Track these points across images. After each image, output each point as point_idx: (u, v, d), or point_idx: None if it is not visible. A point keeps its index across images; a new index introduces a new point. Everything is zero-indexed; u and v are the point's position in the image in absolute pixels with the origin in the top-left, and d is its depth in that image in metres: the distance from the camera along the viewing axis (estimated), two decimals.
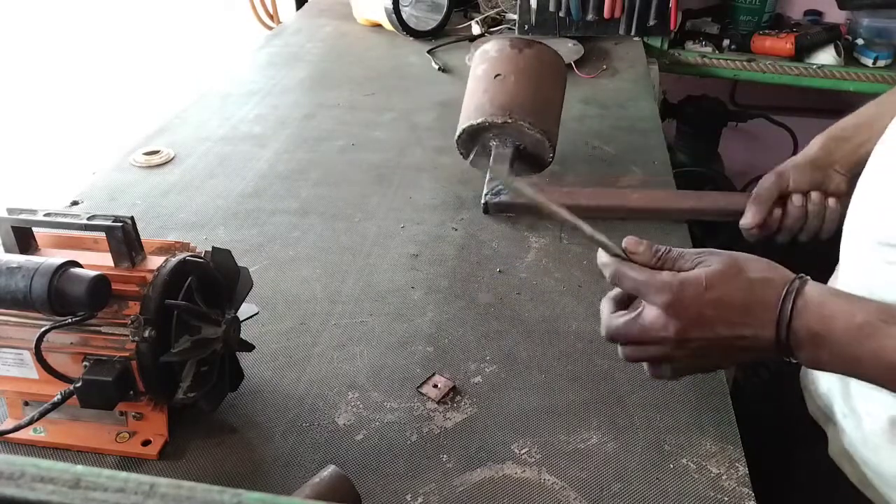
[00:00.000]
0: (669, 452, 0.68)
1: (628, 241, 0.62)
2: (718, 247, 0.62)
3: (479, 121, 1.02)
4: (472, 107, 1.05)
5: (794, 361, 0.60)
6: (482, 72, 1.08)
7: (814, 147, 0.95)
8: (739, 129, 2.19)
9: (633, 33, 1.83)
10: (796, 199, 0.94)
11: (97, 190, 1.09)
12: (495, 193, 1.05)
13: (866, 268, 0.68)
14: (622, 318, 0.62)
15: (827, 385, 0.77)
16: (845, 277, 0.73)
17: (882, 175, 0.69)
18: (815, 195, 0.94)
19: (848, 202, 0.75)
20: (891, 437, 0.67)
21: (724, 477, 0.65)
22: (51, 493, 0.23)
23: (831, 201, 0.94)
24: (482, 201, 1.06)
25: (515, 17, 1.85)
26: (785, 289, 0.58)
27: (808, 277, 0.60)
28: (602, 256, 0.63)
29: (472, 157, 1.07)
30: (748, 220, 0.95)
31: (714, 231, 1.57)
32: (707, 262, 0.60)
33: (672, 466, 0.66)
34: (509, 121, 1.00)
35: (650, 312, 0.60)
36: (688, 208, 1.06)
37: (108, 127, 2.24)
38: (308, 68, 1.62)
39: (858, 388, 0.71)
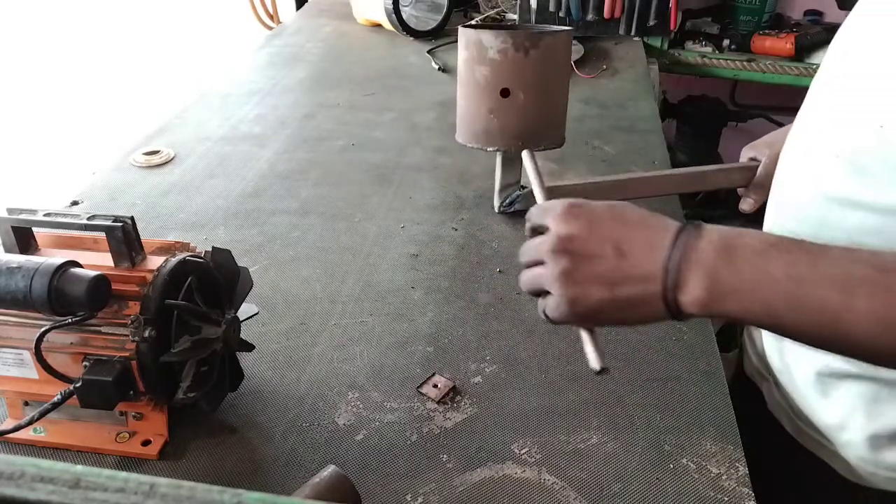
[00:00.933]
0: (669, 452, 0.68)
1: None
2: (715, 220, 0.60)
3: (490, 149, 1.01)
4: (480, 128, 1.00)
5: (682, 314, 0.54)
6: (483, 79, 0.99)
7: None
8: (739, 129, 2.20)
9: (633, 33, 1.83)
10: None
11: (97, 190, 1.09)
12: (509, 204, 1.05)
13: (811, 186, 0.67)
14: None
15: (764, 344, 0.82)
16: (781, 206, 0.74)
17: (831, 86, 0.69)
18: None
19: None
20: (819, 388, 0.73)
21: (724, 477, 0.65)
22: (51, 493, 0.23)
23: None
24: (496, 210, 1.06)
25: (515, 16, 1.86)
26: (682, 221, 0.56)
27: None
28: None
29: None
30: (751, 206, 0.98)
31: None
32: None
33: (672, 466, 0.66)
34: (521, 147, 0.99)
35: (546, 237, 0.57)
36: (684, 174, 1.06)
37: (108, 127, 2.24)
38: (308, 68, 1.62)
39: (790, 343, 0.68)
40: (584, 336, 0.59)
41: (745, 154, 1.03)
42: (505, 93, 0.96)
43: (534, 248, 0.59)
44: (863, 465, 0.72)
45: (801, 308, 0.51)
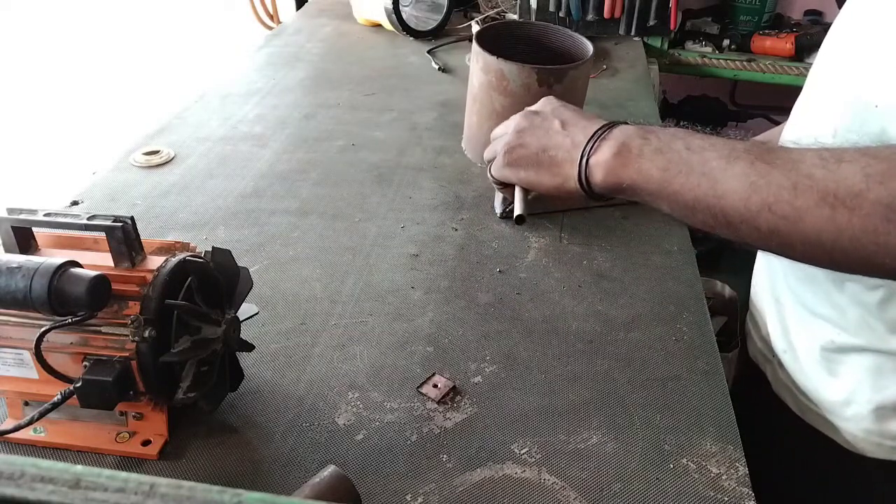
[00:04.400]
0: (669, 452, 0.68)
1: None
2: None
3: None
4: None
5: (590, 179, 0.68)
6: (501, 108, 0.97)
7: None
8: (739, 129, 2.20)
9: (633, 33, 1.83)
10: None
11: (97, 190, 1.09)
12: (510, 212, 1.05)
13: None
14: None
15: (768, 327, 0.85)
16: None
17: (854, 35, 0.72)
18: None
19: None
20: (823, 365, 0.76)
21: (724, 477, 0.65)
22: (51, 493, 0.23)
23: None
24: (498, 215, 1.06)
25: (515, 17, 1.86)
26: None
27: None
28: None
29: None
30: None
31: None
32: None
33: (672, 466, 0.66)
34: None
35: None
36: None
37: (108, 127, 2.24)
38: (308, 68, 1.62)
39: (795, 323, 0.78)
40: (517, 190, 0.80)
41: None
42: None
43: (504, 125, 0.78)
44: (867, 437, 0.74)
45: (689, 170, 0.60)
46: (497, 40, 1.03)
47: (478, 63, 0.99)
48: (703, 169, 0.59)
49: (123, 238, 0.62)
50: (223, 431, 0.69)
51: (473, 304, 0.88)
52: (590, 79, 1.55)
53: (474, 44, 0.97)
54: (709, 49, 2.06)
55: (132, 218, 0.63)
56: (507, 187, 0.84)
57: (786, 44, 1.99)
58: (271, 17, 2.31)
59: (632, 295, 0.89)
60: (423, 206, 1.08)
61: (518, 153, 0.75)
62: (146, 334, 0.60)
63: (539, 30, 1.10)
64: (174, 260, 0.65)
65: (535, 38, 1.10)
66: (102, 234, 0.63)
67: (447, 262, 0.95)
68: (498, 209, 1.05)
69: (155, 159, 1.18)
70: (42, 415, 0.62)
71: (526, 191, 0.80)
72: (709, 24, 2.12)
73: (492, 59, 0.92)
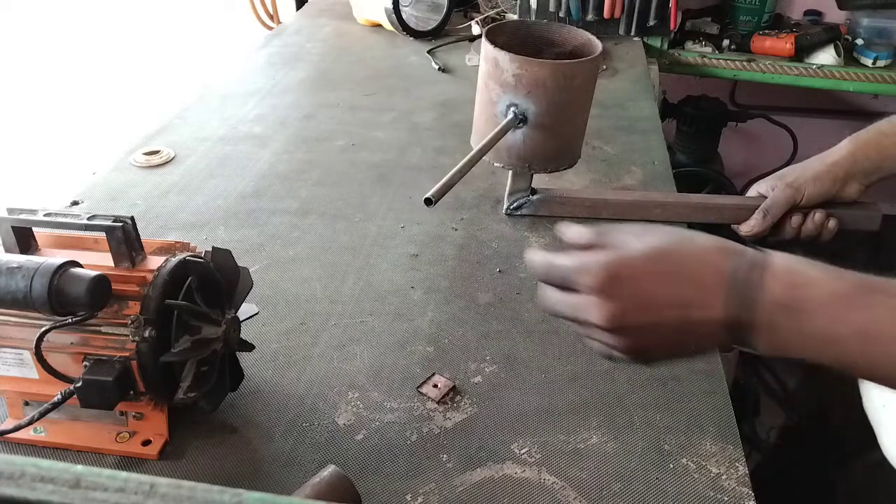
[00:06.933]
0: (669, 452, 0.68)
1: (566, 228, 0.55)
2: None
3: (497, 165, 1.00)
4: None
5: (748, 350, 0.51)
6: (497, 97, 0.94)
7: (840, 154, 0.92)
8: (739, 129, 2.19)
9: (632, 33, 1.83)
10: (795, 221, 0.93)
11: (97, 190, 1.09)
12: (517, 207, 1.05)
13: None
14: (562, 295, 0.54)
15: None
16: None
17: None
18: (818, 216, 0.92)
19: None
20: None
21: (724, 477, 0.65)
22: (51, 493, 0.23)
23: (831, 223, 0.93)
24: (504, 212, 1.06)
25: (515, 17, 1.86)
26: (743, 256, 0.50)
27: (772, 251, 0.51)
28: (530, 253, 0.56)
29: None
30: (751, 229, 0.94)
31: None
32: (652, 235, 0.52)
33: (672, 466, 0.66)
34: (528, 169, 0.99)
35: (583, 300, 0.52)
36: (695, 202, 1.04)
37: (108, 127, 2.24)
38: (308, 68, 1.62)
39: None
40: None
41: (754, 190, 1.00)
42: None
43: (571, 307, 0.53)
44: None
45: (874, 366, 0.47)
46: (514, 38, 1.01)
47: (481, 55, 0.98)
48: (892, 362, 0.46)
49: (123, 238, 0.62)
50: (223, 431, 0.69)
51: (473, 304, 0.88)
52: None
53: (483, 37, 0.96)
54: (709, 49, 2.06)
55: (132, 218, 0.63)
56: None
57: (786, 44, 1.99)
58: (271, 17, 2.31)
59: None
60: (423, 206, 1.08)
61: (651, 360, 0.57)
62: (146, 334, 0.60)
63: (556, 29, 1.07)
64: (174, 260, 0.65)
65: (552, 38, 1.07)
66: (102, 234, 0.63)
67: (447, 262, 0.95)
68: (504, 206, 1.05)
69: (155, 159, 1.18)
70: (42, 415, 0.62)
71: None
72: (709, 24, 2.12)
73: (489, 47, 0.93)
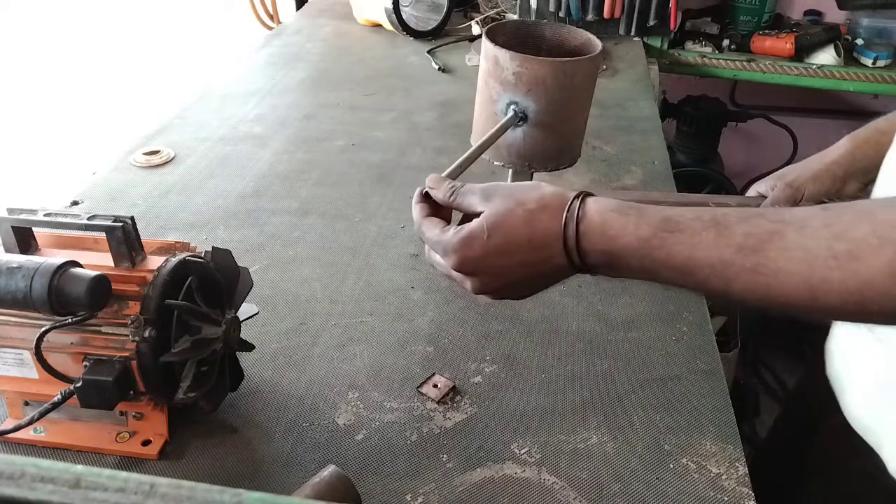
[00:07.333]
0: (669, 452, 0.68)
1: (430, 179, 0.64)
2: None
3: (497, 163, 0.99)
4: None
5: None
6: (497, 95, 0.94)
7: (838, 152, 0.92)
8: (739, 129, 2.19)
9: (633, 33, 1.83)
10: None
11: (97, 190, 1.09)
12: None
13: None
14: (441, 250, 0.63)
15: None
16: None
17: None
18: None
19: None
20: None
21: (724, 477, 0.65)
22: (51, 493, 0.23)
23: None
24: None
25: (515, 17, 1.86)
26: (564, 214, 0.56)
27: (589, 192, 0.58)
28: (414, 211, 0.65)
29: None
30: None
31: None
32: (490, 205, 0.59)
33: (672, 466, 0.66)
34: (528, 168, 0.99)
35: (450, 272, 0.62)
36: (695, 202, 1.04)
37: (108, 127, 2.24)
38: (308, 68, 1.62)
39: None
40: None
41: (754, 190, 1.00)
42: None
43: (445, 272, 0.63)
44: None
45: (711, 293, 0.54)
46: (515, 37, 1.01)
47: (482, 52, 0.98)
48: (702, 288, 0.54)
49: (123, 238, 0.62)
50: (223, 431, 0.69)
51: (473, 304, 0.88)
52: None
53: (483, 36, 0.96)
54: (709, 49, 2.06)
55: (132, 218, 0.63)
56: None
57: (785, 44, 1.99)
58: (271, 17, 2.31)
59: (632, 295, 0.89)
60: None
61: (506, 297, 0.65)
62: (146, 334, 0.60)
63: (561, 30, 1.06)
64: (174, 260, 0.65)
65: (552, 38, 1.06)
66: (102, 234, 0.63)
67: None
68: None
69: (155, 159, 1.18)
70: (42, 415, 0.62)
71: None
72: (709, 24, 2.12)
73: (489, 45, 0.93)
